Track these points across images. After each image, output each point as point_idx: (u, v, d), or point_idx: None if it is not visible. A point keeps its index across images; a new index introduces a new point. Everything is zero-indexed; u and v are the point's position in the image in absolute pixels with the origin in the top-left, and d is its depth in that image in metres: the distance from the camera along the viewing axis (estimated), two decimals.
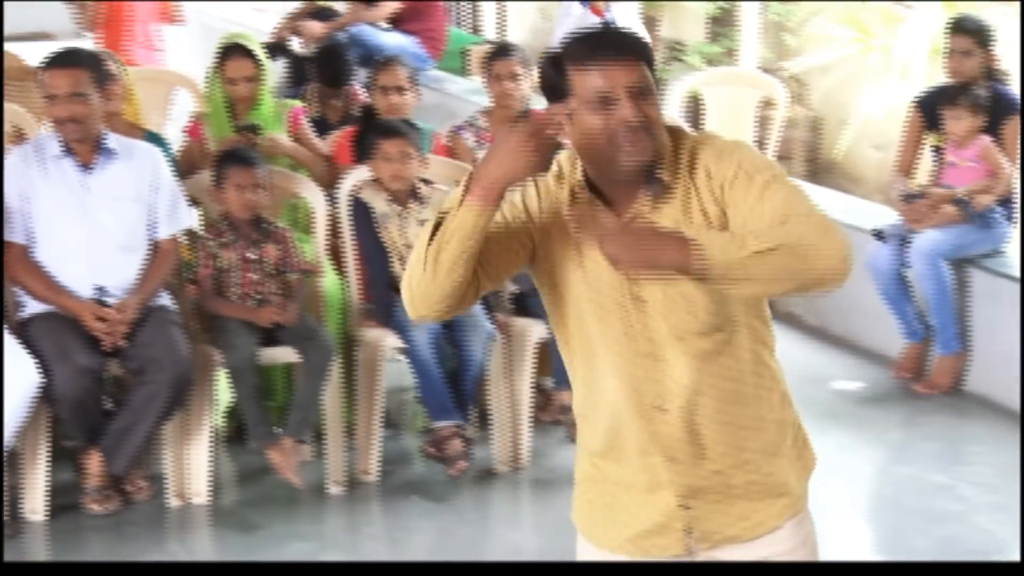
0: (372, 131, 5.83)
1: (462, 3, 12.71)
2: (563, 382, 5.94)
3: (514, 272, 2.91)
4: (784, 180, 2.77)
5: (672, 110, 7.85)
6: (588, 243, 2.81)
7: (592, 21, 7.73)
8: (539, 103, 6.94)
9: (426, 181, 5.78)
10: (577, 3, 8.39)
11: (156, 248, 5.44)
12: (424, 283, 2.76)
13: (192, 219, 5.71)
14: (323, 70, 7.29)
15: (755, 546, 2.93)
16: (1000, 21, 7.99)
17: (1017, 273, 6.29)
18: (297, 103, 6.57)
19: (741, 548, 2.93)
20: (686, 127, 2.99)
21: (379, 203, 5.70)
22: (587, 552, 3.02)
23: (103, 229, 5.34)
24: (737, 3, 10.74)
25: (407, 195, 5.70)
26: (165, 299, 5.48)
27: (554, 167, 2.87)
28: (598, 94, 2.74)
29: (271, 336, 5.48)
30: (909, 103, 6.86)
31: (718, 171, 2.78)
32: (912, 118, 6.74)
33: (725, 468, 2.87)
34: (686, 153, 2.82)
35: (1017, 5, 7.70)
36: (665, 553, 2.92)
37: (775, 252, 2.62)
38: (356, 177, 5.85)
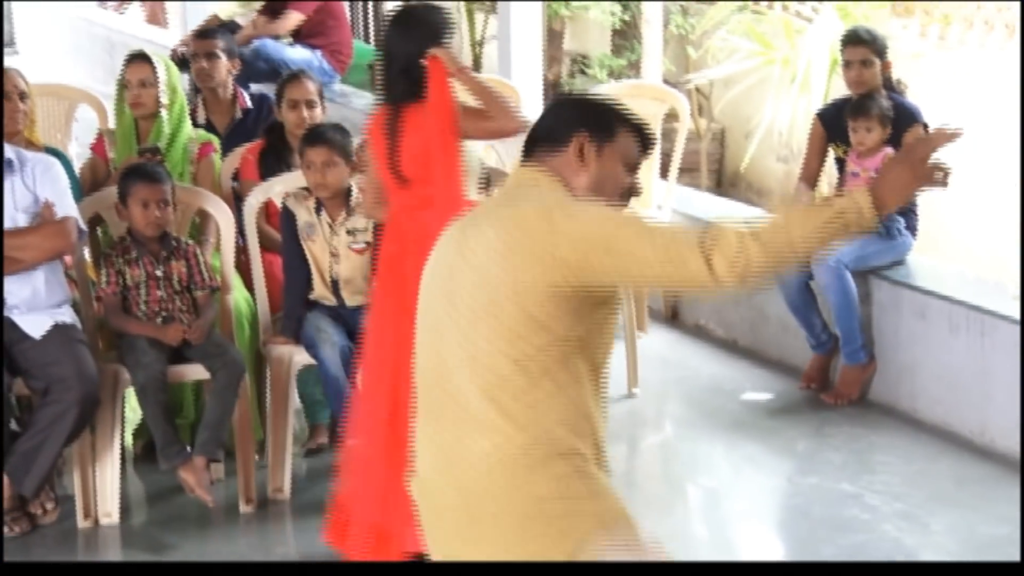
0: (305, 140, 5.62)
1: (368, 16, 12.69)
2: None
3: None
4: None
5: None
6: None
7: None
8: None
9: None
10: None
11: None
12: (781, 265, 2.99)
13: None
14: None
15: None
16: (899, 34, 8.14)
17: (917, 283, 6.38)
18: (211, 136, 6.42)
19: None
20: None
21: (303, 212, 5.59)
22: None
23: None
24: (640, 16, 10.83)
25: (337, 205, 5.58)
26: (69, 316, 5.41)
27: None
28: (635, 162, 3.25)
29: (179, 353, 5.44)
30: (813, 115, 6.94)
31: None
32: (815, 129, 6.80)
33: None
34: None
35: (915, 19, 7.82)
36: None
37: None
38: (275, 187, 5.80)
